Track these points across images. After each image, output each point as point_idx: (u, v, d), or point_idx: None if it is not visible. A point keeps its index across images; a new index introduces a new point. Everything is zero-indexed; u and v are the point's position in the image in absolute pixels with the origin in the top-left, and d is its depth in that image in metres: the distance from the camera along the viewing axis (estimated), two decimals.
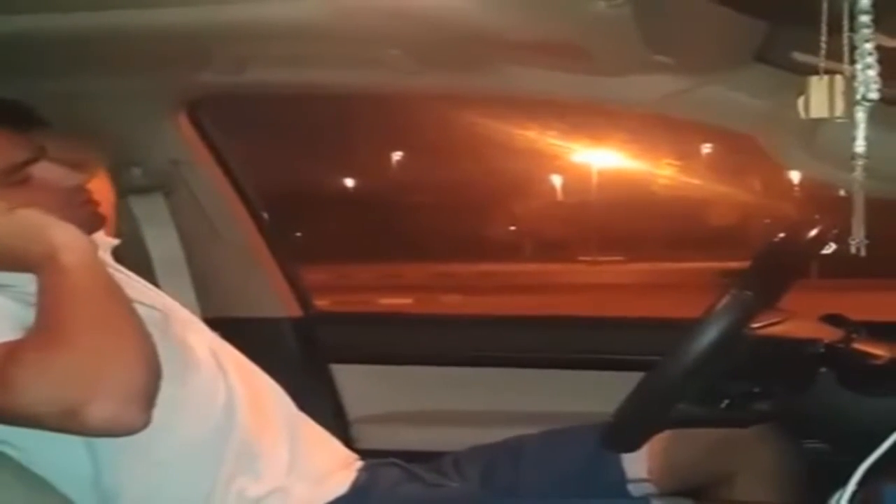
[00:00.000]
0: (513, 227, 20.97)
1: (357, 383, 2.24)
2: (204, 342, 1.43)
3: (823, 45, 0.96)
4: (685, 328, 1.27)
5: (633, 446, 1.46)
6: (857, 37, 0.88)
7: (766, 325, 1.31)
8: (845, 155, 0.91)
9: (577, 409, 1.89)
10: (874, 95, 0.88)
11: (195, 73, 1.69)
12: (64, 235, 1.17)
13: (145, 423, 1.10)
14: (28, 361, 1.09)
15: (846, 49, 0.90)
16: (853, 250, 0.94)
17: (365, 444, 2.02)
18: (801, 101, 0.95)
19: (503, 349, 2.21)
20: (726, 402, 1.34)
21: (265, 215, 2.21)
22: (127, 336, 1.13)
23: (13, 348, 1.11)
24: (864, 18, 0.88)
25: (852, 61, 0.89)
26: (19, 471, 1.21)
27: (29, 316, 1.16)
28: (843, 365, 1.31)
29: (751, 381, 1.34)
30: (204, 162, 2.06)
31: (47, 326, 1.12)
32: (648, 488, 1.55)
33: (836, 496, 1.02)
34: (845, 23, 0.90)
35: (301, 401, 1.53)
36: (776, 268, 1.39)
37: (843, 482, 1.01)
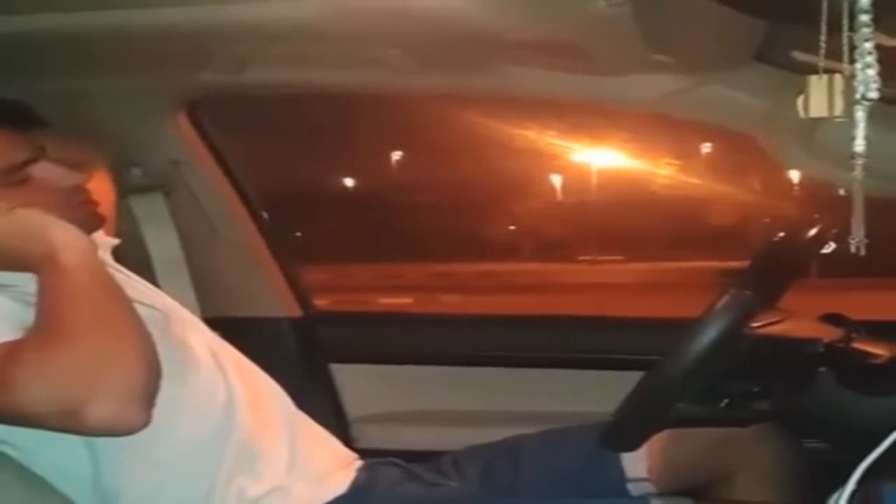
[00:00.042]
0: (512, 227, 20.96)
1: (357, 383, 2.24)
2: (203, 342, 1.44)
3: (823, 45, 0.96)
4: (685, 328, 1.27)
5: (632, 446, 1.46)
6: (856, 36, 0.88)
7: (766, 325, 1.31)
8: (845, 154, 0.91)
9: (577, 409, 1.90)
10: (874, 95, 0.88)
11: (195, 73, 1.69)
12: (64, 235, 1.18)
13: (145, 423, 1.10)
14: (28, 361, 1.09)
15: (846, 48, 0.90)
16: (853, 249, 0.94)
17: (364, 444, 2.02)
18: (800, 101, 0.95)
19: (503, 349, 2.21)
20: (726, 401, 1.34)
21: (265, 215, 2.21)
22: (127, 335, 1.14)
23: (13, 348, 1.11)
24: (864, 18, 0.88)
25: (852, 60, 0.89)
26: (19, 471, 1.21)
27: (29, 316, 1.16)
28: (843, 364, 1.31)
29: (750, 381, 1.34)
30: (204, 162, 2.06)
31: (47, 326, 1.12)
32: (648, 487, 1.55)
33: (836, 495, 1.02)
34: (845, 22, 0.90)
35: (301, 400, 1.54)
36: (776, 267, 1.39)
37: (843, 481, 1.01)
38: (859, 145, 0.89)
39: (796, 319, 1.35)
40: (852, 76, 0.89)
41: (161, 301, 1.46)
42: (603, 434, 1.41)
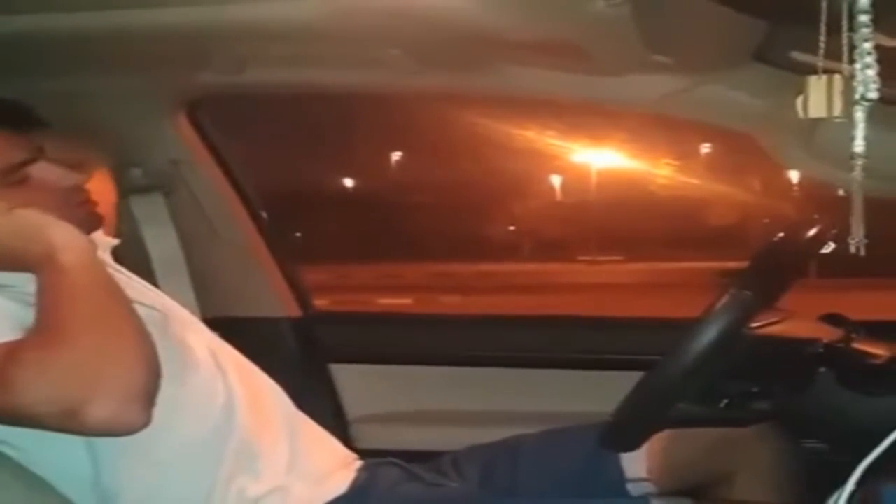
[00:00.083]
0: (512, 227, 20.96)
1: (356, 383, 2.24)
2: (203, 342, 1.44)
3: (822, 45, 0.96)
4: (684, 328, 1.27)
5: (632, 446, 1.46)
6: (856, 36, 0.88)
7: (766, 325, 1.31)
8: (844, 154, 0.90)
9: (576, 409, 1.90)
10: (873, 95, 0.88)
11: (195, 74, 1.69)
12: (62, 235, 1.17)
13: (146, 423, 1.10)
14: (28, 361, 1.09)
15: (845, 48, 0.90)
16: (852, 250, 0.94)
17: (364, 444, 2.02)
18: (799, 101, 0.95)
19: (502, 349, 2.21)
20: (725, 401, 1.34)
21: (265, 215, 2.21)
22: (126, 335, 1.13)
23: (13, 348, 1.11)
24: (864, 18, 0.88)
25: (851, 61, 0.89)
26: (19, 471, 1.21)
27: (28, 316, 1.16)
28: (843, 364, 1.31)
29: (750, 381, 1.34)
30: (203, 162, 2.06)
31: (47, 326, 1.12)
32: (647, 488, 1.55)
33: (835, 496, 1.02)
34: (844, 22, 0.90)
35: (300, 400, 1.54)
36: (775, 267, 1.39)
37: (842, 482, 1.01)
38: (859, 146, 0.89)
39: (796, 320, 1.35)
40: (852, 76, 0.89)
41: (161, 301, 1.46)
42: (602, 434, 1.41)
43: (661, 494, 1.53)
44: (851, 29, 0.89)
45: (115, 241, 1.56)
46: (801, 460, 1.55)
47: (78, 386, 1.07)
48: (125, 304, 1.18)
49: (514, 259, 19.02)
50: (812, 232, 1.33)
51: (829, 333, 1.33)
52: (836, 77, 0.93)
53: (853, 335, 1.32)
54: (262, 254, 2.20)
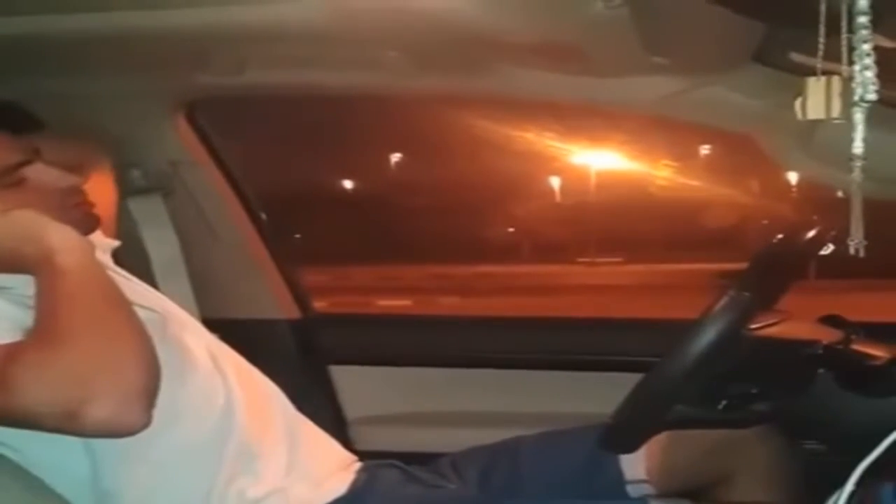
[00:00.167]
0: (511, 229, 20.96)
1: (355, 385, 2.24)
2: (202, 344, 1.44)
3: (821, 46, 0.96)
4: (683, 329, 1.27)
5: (631, 447, 1.46)
6: (855, 38, 0.88)
7: (765, 327, 1.31)
8: (843, 156, 0.90)
9: (576, 410, 1.89)
10: (872, 96, 0.88)
11: (194, 75, 1.69)
12: (60, 237, 1.17)
13: (145, 424, 1.10)
14: (27, 363, 1.09)
15: (844, 50, 0.90)
16: (851, 251, 0.94)
17: (363, 446, 2.01)
18: (798, 102, 0.95)
19: (501, 350, 2.21)
20: (724, 403, 1.33)
21: (264, 217, 2.21)
22: (126, 337, 1.13)
23: (12, 350, 1.11)
24: (863, 19, 0.88)
25: (850, 62, 0.89)
26: (17, 472, 1.21)
27: (27, 318, 1.16)
28: (842, 366, 1.32)
29: (749, 382, 1.34)
30: (203, 163, 2.06)
31: (46, 328, 1.12)
32: (647, 489, 1.55)
33: (835, 497, 1.02)
34: (843, 24, 0.90)
35: (300, 402, 1.54)
36: (774, 269, 1.39)
37: (842, 483, 1.01)
38: (858, 147, 0.89)
39: (795, 321, 1.35)
40: (850, 78, 0.89)
41: (160, 303, 1.46)
42: (602, 436, 1.41)
43: (661, 496, 1.53)
44: (850, 30, 0.89)
45: (115, 243, 1.56)
46: (800, 461, 1.55)
47: (77, 387, 1.07)
48: (124, 306, 1.18)
49: (514, 261, 19.00)
50: (811, 233, 1.33)
51: (828, 335, 1.33)
52: (835, 78, 0.93)
53: (852, 337, 1.32)
54: (262, 255, 2.20)
